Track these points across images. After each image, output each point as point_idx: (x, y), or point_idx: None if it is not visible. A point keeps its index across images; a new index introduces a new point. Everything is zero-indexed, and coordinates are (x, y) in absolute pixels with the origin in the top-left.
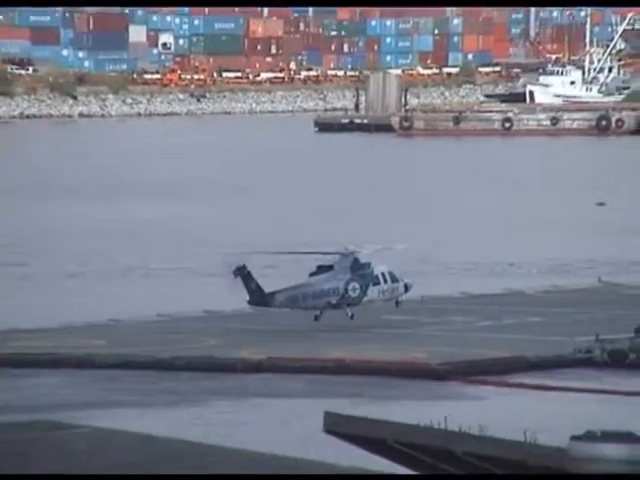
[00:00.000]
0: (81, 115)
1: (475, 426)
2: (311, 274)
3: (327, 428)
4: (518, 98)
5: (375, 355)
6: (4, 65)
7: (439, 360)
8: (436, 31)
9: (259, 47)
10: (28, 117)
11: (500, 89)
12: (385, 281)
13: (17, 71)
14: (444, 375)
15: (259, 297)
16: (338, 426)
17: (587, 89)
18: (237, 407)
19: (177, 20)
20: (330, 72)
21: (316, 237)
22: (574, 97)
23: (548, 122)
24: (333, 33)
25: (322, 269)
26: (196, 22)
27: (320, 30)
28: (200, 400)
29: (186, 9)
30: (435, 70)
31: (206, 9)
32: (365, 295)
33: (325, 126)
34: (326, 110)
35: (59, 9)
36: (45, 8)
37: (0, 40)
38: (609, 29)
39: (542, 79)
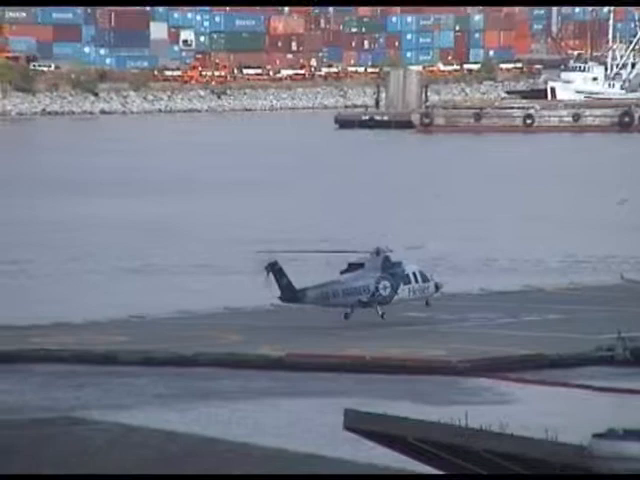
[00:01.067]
0: (102, 112)
1: (495, 423)
2: (342, 272)
3: (347, 425)
4: (539, 94)
5: (395, 352)
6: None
7: (459, 357)
8: (457, 27)
9: (280, 44)
10: (50, 114)
11: (521, 85)
12: (416, 280)
13: (39, 68)
14: (464, 372)
15: (290, 293)
16: (358, 423)
17: (610, 85)
18: (258, 403)
19: (198, 17)
20: (350, 69)
21: (336, 233)
22: (596, 93)
23: (570, 118)
24: (354, 30)
25: (353, 267)
26: (217, 19)
27: (340, 27)
28: (221, 396)
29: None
30: (456, 66)
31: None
32: (396, 294)
33: (345, 123)
34: (346, 107)
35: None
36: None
37: (11, 37)
38: (632, 25)
39: (564, 75)
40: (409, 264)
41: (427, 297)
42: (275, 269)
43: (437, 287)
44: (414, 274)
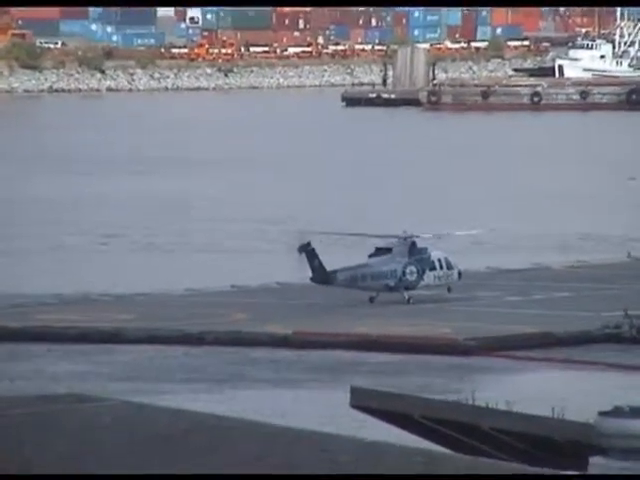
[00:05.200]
0: (109, 89)
1: (502, 401)
2: (370, 255)
3: (353, 403)
4: (547, 72)
5: (402, 330)
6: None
7: (466, 335)
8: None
9: (287, 21)
10: (57, 91)
11: (529, 63)
12: (441, 267)
13: (46, 45)
14: (471, 350)
15: (322, 275)
16: (364, 401)
17: (617, 63)
18: (264, 381)
19: None
20: (358, 46)
21: (344, 213)
22: (604, 71)
23: (577, 96)
24: (361, 7)
25: (381, 251)
26: None
27: None
28: (227, 375)
29: None
30: (463, 44)
31: None
32: (422, 280)
33: (352, 101)
34: (353, 85)
35: None
36: None
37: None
38: None
39: (571, 53)
40: (434, 250)
41: (450, 284)
42: (308, 250)
43: (460, 274)
44: (439, 260)
